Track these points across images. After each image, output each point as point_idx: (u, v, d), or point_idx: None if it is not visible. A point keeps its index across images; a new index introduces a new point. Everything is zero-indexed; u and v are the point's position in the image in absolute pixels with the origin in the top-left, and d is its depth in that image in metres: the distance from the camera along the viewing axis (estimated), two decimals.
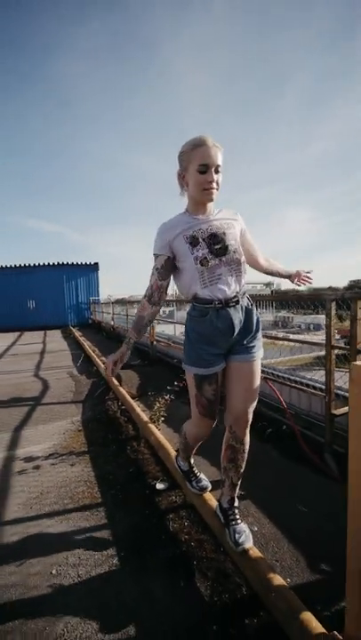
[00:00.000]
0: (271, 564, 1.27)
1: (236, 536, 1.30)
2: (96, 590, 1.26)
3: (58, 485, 2.00)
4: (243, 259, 1.31)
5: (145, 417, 2.58)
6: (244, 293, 1.32)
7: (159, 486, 1.90)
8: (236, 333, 1.29)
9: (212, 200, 1.25)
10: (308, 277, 1.56)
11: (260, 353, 1.35)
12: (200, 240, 1.24)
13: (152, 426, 2.43)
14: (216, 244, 1.25)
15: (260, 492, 1.82)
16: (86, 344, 7.77)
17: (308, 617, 0.98)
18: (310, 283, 1.56)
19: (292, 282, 1.57)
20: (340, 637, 0.88)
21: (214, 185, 1.21)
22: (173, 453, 2.01)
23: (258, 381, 1.35)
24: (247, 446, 1.38)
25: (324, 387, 2.20)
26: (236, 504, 1.42)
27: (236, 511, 1.40)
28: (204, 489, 1.64)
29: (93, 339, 9.54)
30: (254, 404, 1.35)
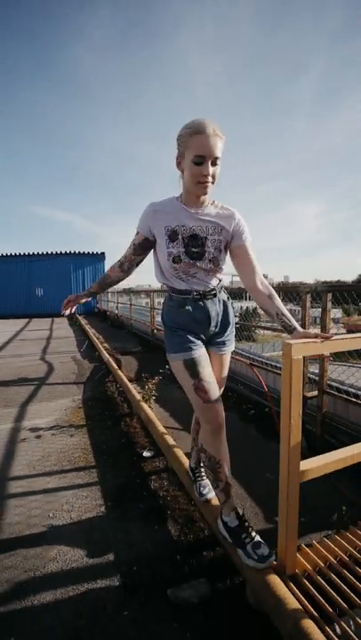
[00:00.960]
0: None
1: (201, 489, 1.53)
2: (84, 529, 1.52)
3: (57, 451, 2.27)
4: (220, 268, 1.25)
5: (138, 396, 2.83)
6: (221, 287, 1.32)
7: (146, 454, 2.16)
8: (213, 325, 1.29)
9: (205, 194, 1.15)
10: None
11: (231, 347, 1.39)
12: (179, 237, 1.19)
13: (143, 404, 2.68)
14: (194, 247, 1.19)
15: (237, 465, 2.04)
16: (91, 332, 8.05)
17: (275, 585, 1.21)
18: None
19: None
20: (273, 562, 1.12)
21: (209, 179, 1.10)
22: (161, 428, 2.25)
23: (227, 369, 1.43)
24: None
25: None
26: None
27: (202, 469, 1.60)
28: (263, 559, 1.11)
29: (98, 326, 9.84)
30: (222, 389, 1.42)
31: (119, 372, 3.84)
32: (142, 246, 1.29)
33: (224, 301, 1.32)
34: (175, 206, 1.21)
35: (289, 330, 1.17)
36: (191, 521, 1.53)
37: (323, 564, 1.15)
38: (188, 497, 1.69)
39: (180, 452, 1.91)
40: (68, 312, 1.46)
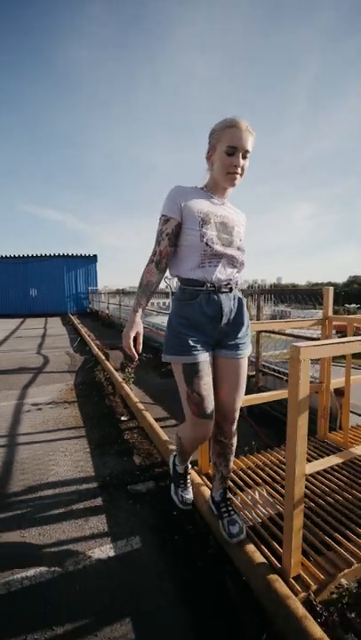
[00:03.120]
0: None
1: (231, 528, 1.29)
2: (74, 460, 2.16)
3: (54, 418, 2.90)
4: (244, 258, 1.24)
5: (120, 378, 3.47)
6: (237, 284, 1.26)
7: (123, 418, 2.81)
8: (224, 322, 1.21)
9: (233, 185, 1.20)
10: None
11: (248, 351, 1.29)
12: (212, 221, 1.17)
13: (124, 384, 3.33)
14: (225, 234, 1.19)
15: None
16: (83, 330, 8.66)
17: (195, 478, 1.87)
18: None
19: None
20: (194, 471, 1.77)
21: (239, 170, 1.16)
22: (136, 399, 2.90)
23: (245, 378, 1.31)
24: (235, 440, 1.38)
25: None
26: (228, 496, 1.42)
27: (229, 503, 1.39)
28: (186, 504, 1.45)
29: (90, 326, 10.45)
30: (241, 401, 1.32)
31: (106, 362, 4.47)
32: (175, 234, 1.19)
33: (239, 298, 1.26)
34: (202, 194, 1.22)
35: None
36: (149, 455, 2.18)
37: (236, 468, 1.81)
38: (150, 442, 2.34)
39: (147, 415, 2.56)
40: (137, 356, 1.24)
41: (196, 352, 1.17)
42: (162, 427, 2.43)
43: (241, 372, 1.28)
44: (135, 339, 1.21)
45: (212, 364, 1.25)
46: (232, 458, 1.39)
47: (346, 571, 1.16)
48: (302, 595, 1.07)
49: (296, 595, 1.06)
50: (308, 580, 1.12)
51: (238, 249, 1.22)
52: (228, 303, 1.21)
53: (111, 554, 1.38)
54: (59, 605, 1.16)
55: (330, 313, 2.07)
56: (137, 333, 1.21)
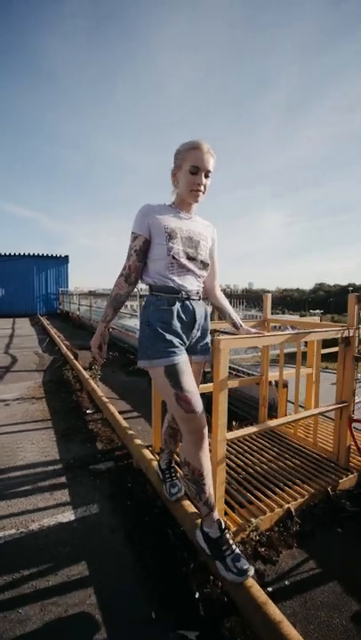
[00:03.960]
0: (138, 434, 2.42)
1: (171, 489, 1.55)
2: (40, 447, 2.36)
3: (22, 412, 3.06)
4: (207, 271, 1.37)
5: (86, 375, 3.67)
6: (202, 293, 1.39)
7: (88, 411, 3.02)
8: (196, 328, 1.32)
9: (197, 202, 1.31)
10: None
11: (210, 355, 1.42)
12: (178, 236, 1.27)
13: (91, 380, 3.54)
14: (190, 248, 1.29)
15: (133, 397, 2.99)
16: (52, 331, 8.67)
17: (141, 447, 2.12)
18: None
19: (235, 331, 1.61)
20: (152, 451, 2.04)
21: (202, 188, 1.27)
22: (101, 393, 3.11)
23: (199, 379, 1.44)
24: None
25: None
26: (173, 465, 1.65)
27: (173, 470, 1.63)
28: (243, 573, 1.12)
29: (60, 327, 10.41)
30: None
31: (75, 361, 4.63)
32: (143, 250, 1.29)
33: (205, 306, 1.40)
34: (170, 210, 1.32)
35: (236, 326, 1.56)
36: (111, 441, 2.43)
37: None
38: (112, 430, 2.58)
39: (110, 406, 2.79)
40: (101, 358, 1.38)
41: (178, 353, 1.24)
42: (125, 418, 2.67)
43: (201, 372, 1.46)
44: (101, 346, 1.35)
45: None
46: (180, 439, 1.44)
47: (260, 517, 1.48)
48: None
49: None
50: (229, 523, 1.43)
51: (202, 262, 1.33)
52: (199, 310, 1.33)
53: (72, 518, 1.62)
54: (25, 555, 1.39)
55: (268, 315, 2.43)
56: (102, 342, 1.35)
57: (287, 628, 0.95)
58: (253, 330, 1.57)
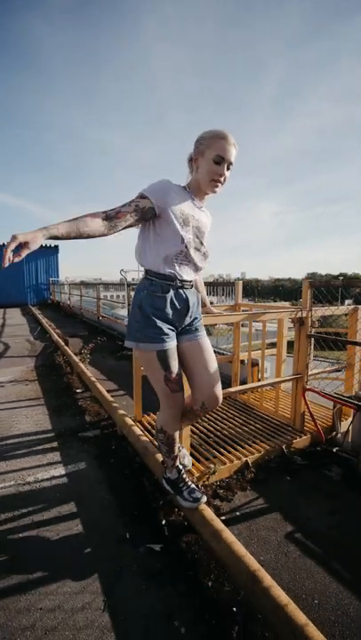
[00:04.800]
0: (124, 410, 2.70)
1: (192, 494, 1.45)
2: (34, 420, 2.62)
3: (16, 392, 3.30)
4: (205, 264, 1.37)
5: (76, 359, 3.92)
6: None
7: (78, 391, 3.28)
8: (189, 315, 1.33)
9: (214, 192, 1.28)
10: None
11: (204, 331, 1.43)
12: (190, 225, 1.25)
13: (80, 363, 3.79)
14: (197, 238, 1.29)
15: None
16: (44, 320, 8.84)
17: (124, 416, 2.40)
18: None
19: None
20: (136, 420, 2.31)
21: (222, 179, 1.24)
22: (90, 374, 3.37)
23: (213, 355, 1.41)
24: None
25: None
26: (183, 474, 1.55)
27: (185, 476, 1.52)
28: (197, 500, 1.41)
29: (51, 316, 10.57)
30: (219, 380, 1.41)
31: (65, 347, 4.87)
32: (143, 213, 1.17)
33: (197, 294, 1.40)
34: (186, 195, 1.28)
35: (203, 305, 1.69)
36: (98, 414, 2.70)
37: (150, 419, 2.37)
38: (100, 406, 2.85)
39: (98, 385, 3.06)
40: (7, 261, 0.99)
41: (169, 339, 1.26)
42: (112, 396, 2.94)
43: (208, 348, 1.39)
44: (21, 245, 1.00)
45: (179, 353, 1.34)
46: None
47: (219, 466, 1.77)
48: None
49: None
50: (194, 471, 1.72)
51: (204, 254, 1.34)
52: (192, 298, 1.33)
53: (63, 472, 1.90)
54: (23, 498, 1.66)
55: (239, 300, 2.70)
56: (26, 243, 1.01)
57: (228, 533, 1.24)
58: (215, 310, 1.83)
